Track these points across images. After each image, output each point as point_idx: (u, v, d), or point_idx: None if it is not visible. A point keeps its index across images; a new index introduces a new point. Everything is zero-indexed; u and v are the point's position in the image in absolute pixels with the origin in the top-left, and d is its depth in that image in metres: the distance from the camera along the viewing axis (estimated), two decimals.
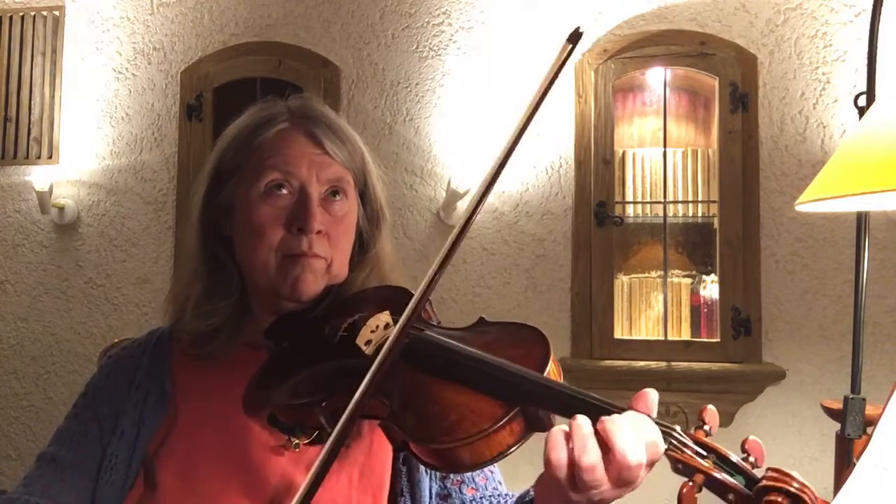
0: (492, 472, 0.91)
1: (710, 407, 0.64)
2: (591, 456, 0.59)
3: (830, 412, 1.65)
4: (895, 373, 2.34)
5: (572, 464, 0.59)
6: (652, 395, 0.64)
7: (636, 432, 0.59)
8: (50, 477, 0.86)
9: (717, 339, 2.55)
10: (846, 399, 1.50)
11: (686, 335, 2.63)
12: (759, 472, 0.60)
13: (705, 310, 2.64)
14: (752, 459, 0.61)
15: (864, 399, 1.50)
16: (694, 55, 2.61)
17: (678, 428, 0.62)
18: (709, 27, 2.61)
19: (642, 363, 2.54)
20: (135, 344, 0.98)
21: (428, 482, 0.87)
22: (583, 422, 0.60)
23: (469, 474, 0.89)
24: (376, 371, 0.67)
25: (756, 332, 2.51)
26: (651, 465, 0.61)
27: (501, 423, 0.63)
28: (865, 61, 1.60)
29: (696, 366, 2.51)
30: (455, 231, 0.71)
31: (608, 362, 2.57)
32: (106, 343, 1.55)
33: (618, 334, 2.62)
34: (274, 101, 0.95)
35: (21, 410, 2.96)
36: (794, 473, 0.58)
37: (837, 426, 1.52)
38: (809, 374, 2.50)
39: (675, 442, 0.61)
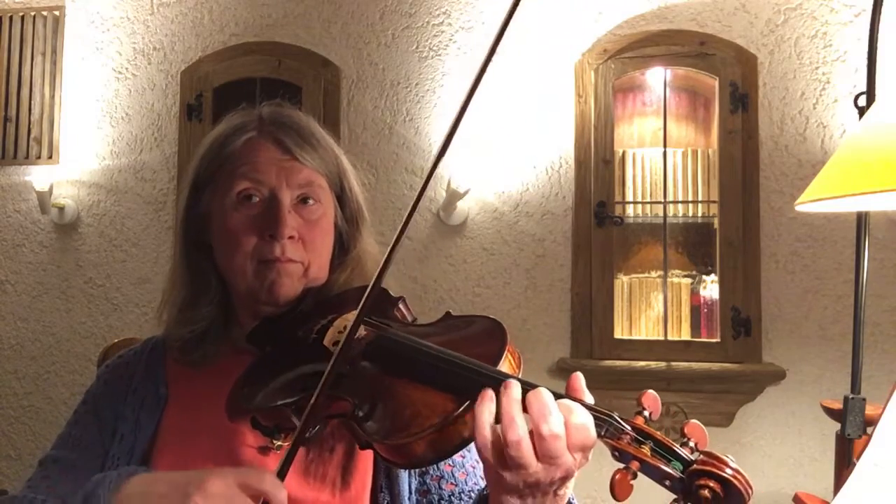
0: (473, 468, 0.91)
1: (651, 392, 0.64)
2: (516, 425, 0.60)
3: (830, 412, 1.64)
4: (895, 373, 2.34)
5: (497, 438, 0.61)
6: (580, 378, 0.66)
7: (560, 408, 0.61)
8: (55, 478, 0.88)
9: (717, 339, 2.55)
10: (846, 399, 1.50)
11: (686, 335, 2.63)
12: (699, 457, 0.59)
13: (705, 310, 2.64)
14: (692, 443, 0.61)
15: (864, 399, 1.50)
16: (694, 55, 2.61)
17: (616, 415, 0.62)
18: (709, 27, 2.61)
19: (642, 363, 2.54)
20: (131, 352, 1.01)
21: (407, 478, 0.88)
22: (513, 388, 0.62)
23: (449, 470, 0.89)
24: (330, 368, 0.68)
25: (756, 332, 2.51)
26: (585, 449, 0.62)
27: (453, 416, 0.64)
28: (865, 61, 1.60)
29: (696, 366, 2.51)
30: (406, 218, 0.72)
31: (608, 362, 2.57)
32: (106, 343, 1.56)
33: (618, 334, 2.62)
34: (247, 111, 0.97)
35: (21, 410, 2.96)
36: (729, 458, 0.57)
37: (837, 426, 1.52)
38: (809, 374, 2.50)
39: (611, 429, 0.61)
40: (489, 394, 0.63)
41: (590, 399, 0.65)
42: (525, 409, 0.61)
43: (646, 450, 0.59)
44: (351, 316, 0.82)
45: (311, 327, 0.85)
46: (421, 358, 0.71)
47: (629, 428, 0.61)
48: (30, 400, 2.96)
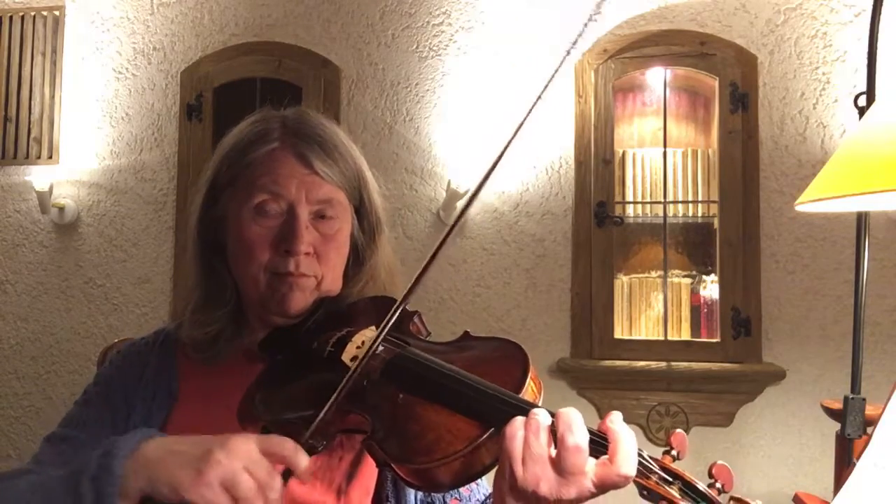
0: (477, 484, 0.92)
1: (679, 431, 0.65)
2: (541, 444, 0.61)
3: (830, 412, 1.65)
4: (895, 373, 2.34)
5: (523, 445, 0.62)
6: (617, 416, 0.65)
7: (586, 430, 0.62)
8: (65, 455, 0.87)
9: (717, 339, 2.55)
10: (846, 399, 1.50)
11: (686, 335, 2.63)
12: (725, 498, 0.60)
13: (705, 310, 2.64)
14: (719, 485, 0.61)
15: (864, 399, 1.50)
16: (694, 55, 2.61)
17: (645, 453, 0.62)
18: (709, 27, 2.61)
19: (642, 363, 2.54)
20: (142, 342, 1.01)
21: (413, 489, 0.88)
22: (541, 414, 0.63)
23: None
24: (346, 382, 0.68)
25: (756, 332, 2.51)
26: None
27: (477, 443, 0.64)
28: (865, 61, 1.60)
29: (696, 366, 2.51)
30: (442, 236, 0.73)
31: (608, 362, 2.57)
32: (106, 343, 1.56)
33: (618, 334, 2.62)
34: (269, 114, 0.96)
35: (21, 410, 2.96)
36: (757, 502, 0.58)
37: (837, 426, 1.52)
38: (809, 374, 2.50)
39: (640, 467, 0.61)
40: (519, 420, 0.64)
41: None
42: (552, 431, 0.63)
43: (674, 490, 0.60)
44: (369, 332, 0.83)
45: (326, 339, 0.85)
46: (446, 382, 0.71)
47: (657, 466, 0.61)
48: (30, 400, 2.96)
